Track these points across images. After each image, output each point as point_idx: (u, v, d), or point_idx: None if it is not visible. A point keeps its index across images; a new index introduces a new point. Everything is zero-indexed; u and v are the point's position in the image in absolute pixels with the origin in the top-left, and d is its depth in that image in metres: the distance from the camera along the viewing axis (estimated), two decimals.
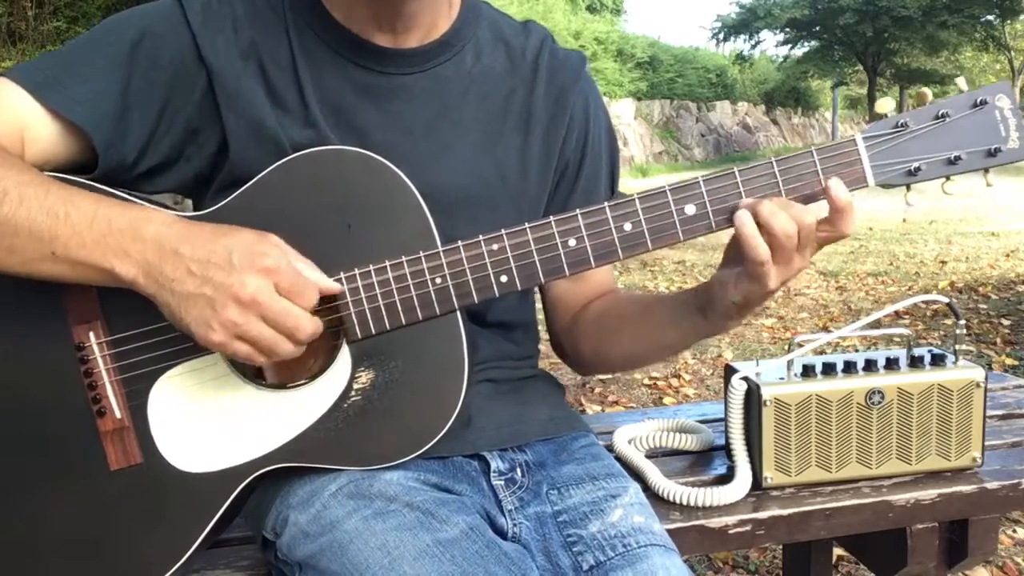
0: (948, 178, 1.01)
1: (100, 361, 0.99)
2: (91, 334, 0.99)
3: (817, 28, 31.80)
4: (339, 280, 0.98)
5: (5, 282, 0.97)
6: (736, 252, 1.00)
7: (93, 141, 0.99)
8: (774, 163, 0.99)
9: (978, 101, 0.99)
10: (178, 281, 0.90)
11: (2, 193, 0.90)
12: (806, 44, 33.85)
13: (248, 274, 0.90)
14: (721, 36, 33.34)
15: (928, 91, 1.01)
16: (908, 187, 1.02)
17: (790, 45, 34.13)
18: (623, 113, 18.95)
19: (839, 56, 33.74)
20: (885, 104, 1.00)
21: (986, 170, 1.01)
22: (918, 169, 1.00)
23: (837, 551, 2.02)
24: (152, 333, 0.98)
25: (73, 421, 0.99)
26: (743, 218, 0.96)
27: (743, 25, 32.44)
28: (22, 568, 1.00)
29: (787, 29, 32.11)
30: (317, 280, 0.95)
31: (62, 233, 0.91)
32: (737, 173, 0.99)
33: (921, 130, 0.99)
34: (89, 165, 1.01)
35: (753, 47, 34.49)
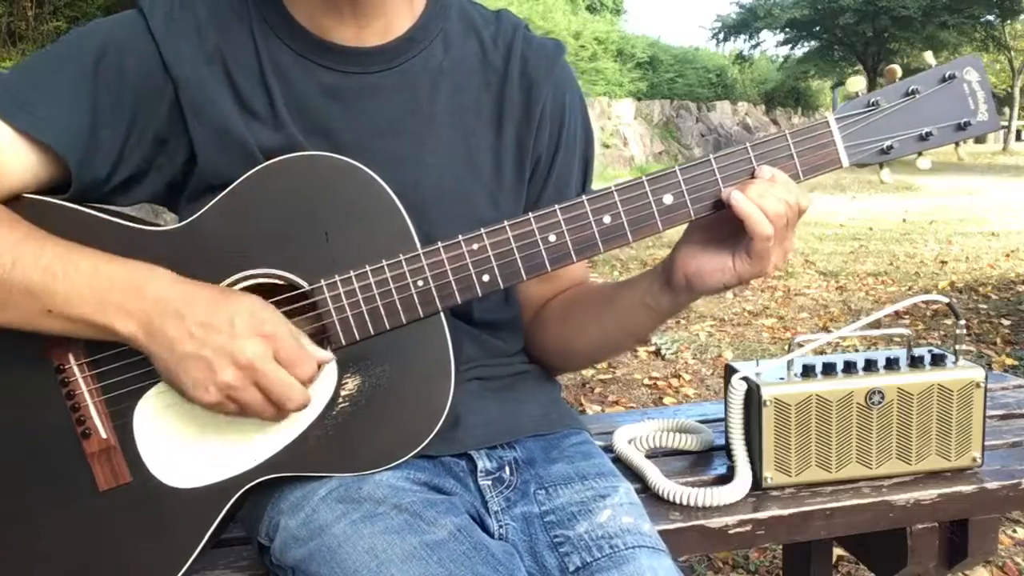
0: (920, 154, 1.02)
1: (81, 382, 0.99)
2: (70, 355, 0.98)
3: (817, 28, 31.79)
4: (319, 288, 0.98)
5: None
6: (712, 228, 1.01)
7: (67, 162, 0.97)
8: (749, 148, 1.00)
9: (946, 76, 1.00)
10: (178, 341, 0.91)
11: None
12: (806, 44, 33.85)
13: (248, 339, 0.91)
14: (721, 36, 33.33)
15: (897, 68, 1.01)
16: (881, 165, 1.03)
17: (790, 45, 34.13)
18: (623, 113, 18.94)
19: (839, 56, 33.73)
20: (856, 83, 1.01)
21: (956, 144, 1.02)
22: (891, 147, 1.01)
23: (837, 551, 2.02)
24: (132, 352, 0.97)
25: (59, 444, 0.99)
26: (737, 196, 0.96)
27: (743, 25, 32.44)
28: None
29: (787, 29, 32.09)
30: (307, 346, 0.96)
31: (60, 290, 0.91)
32: (713, 160, 1.00)
33: (892, 108, 1.00)
34: (63, 184, 1.00)
35: (753, 47, 34.48)
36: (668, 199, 0.99)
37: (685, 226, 1.05)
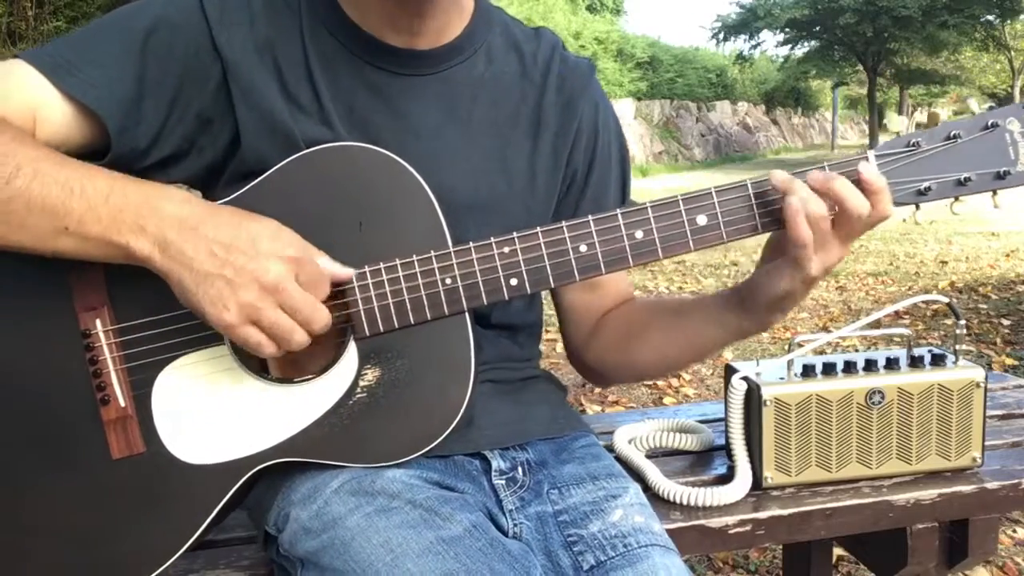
0: (957, 198, 1.02)
1: (106, 349, 1.00)
2: (97, 321, 0.99)
3: (817, 28, 31.77)
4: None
5: (11, 267, 0.97)
6: (778, 243, 1.02)
7: (107, 125, 0.98)
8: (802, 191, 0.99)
9: (989, 124, 1.00)
10: (197, 260, 0.90)
11: (16, 167, 0.90)
12: (806, 44, 33.84)
13: (272, 260, 0.91)
14: (721, 36, 33.33)
15: (941, 112, 1.03)
16: (917, 206, 1.03)
17: (790, 45, 34.11)
18: (623, 113, 18.95)
19: (839, 56, 33.72)
20: (897, 122, 1.01)
21: (994, 192, 1.02)
22: (928, 189, 1.01)
23: (837, 551, 2.02)
24: (159, 323, 0.98)
25: (77, 408, 0.99)
26: (792, 200, 0.96)
27: (743, 25, 32.43)
28: (23, 554, 1.00)
29: (787, 29, 32.08)
30: (329, 267, 0.96)
31: (76, 207, 0.90)
32: (750, 185, 1.00)
33: (933, 150, 1.01)
34: (101, 151, 1.00)
35: (753, 47, 34.46)
36: (702, 220, 1.00)
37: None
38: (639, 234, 1.00)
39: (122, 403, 1.00)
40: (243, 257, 0.90)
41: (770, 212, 1.00)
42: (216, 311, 0.90)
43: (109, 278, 0.99)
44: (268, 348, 0.93)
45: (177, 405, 1.01)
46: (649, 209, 1.00)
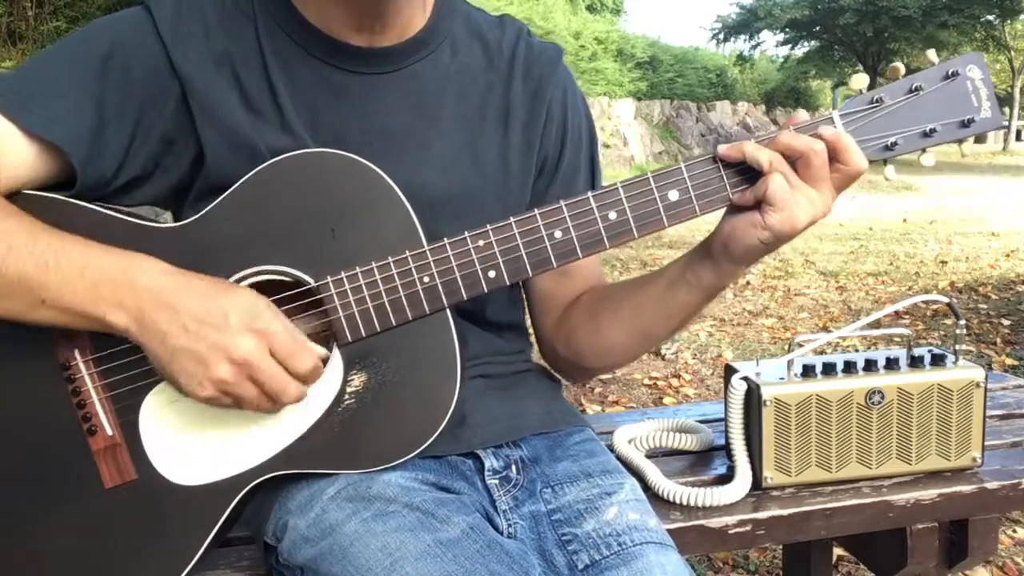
0: (924, 150, 1.02)
1: (87, 379, 0.99)
2: (76, 352, 0.98)
3: (817, 28, 31.78)
4: (325, 284, 0.98)
5: None
6: (751, 196, 1.00)
7: (72, 159, 0.97)
8: (754, 142, 1.00)
9: (950, 73, 1.00)
10: (171, 335, 0.90)
11: None
12: (806, 44, 33.85)
13: (243, 335, 0.91)
14: (721, 36, 33.33)
15: (900, 65, 1.01)
16: (885, 162, 1.03)
17: (790, 45, 34.13)
18: (623, 113, 18.93)
19: (839, 56, 33.74)
20: (859, 80, 1.01)
21: (960, 141, 1.03)
22: (895, 144, 1.01)
23: (837, 551, 2.02)
24: (138, 348, 0.97)
25: (64, 441, 0.99)
26: (776, 179, 0.96)
27: (743, 25, 32.44)
28: None
29: (787, 29, 32.09)
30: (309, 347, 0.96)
31: (52, 281, 0.90)
32: (719, 157, 1.00)
33: (896, 104, 1.01)
34: (68, 183, 0.99)
35: (753, 47, 34.48)
36: (674, 195, 1.00)
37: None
38: (612, 215, 1.00)
39: (109, 432, 0.99)
40: (215, 332, 0.90)
41: (741, 181, 1.00)
42: (192, 386, 0.92)
43: None
44: (238, 409, 0.95)
45: (166, 428, 1.00)
46: (620, 189, 0.99)
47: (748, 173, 0.99)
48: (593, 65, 17.56)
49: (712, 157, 1.00)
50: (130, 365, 0.99)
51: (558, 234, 0.99)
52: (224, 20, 1.05)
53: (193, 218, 1.00)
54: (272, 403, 0.95)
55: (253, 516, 1.09)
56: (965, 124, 1.01)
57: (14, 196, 0.97)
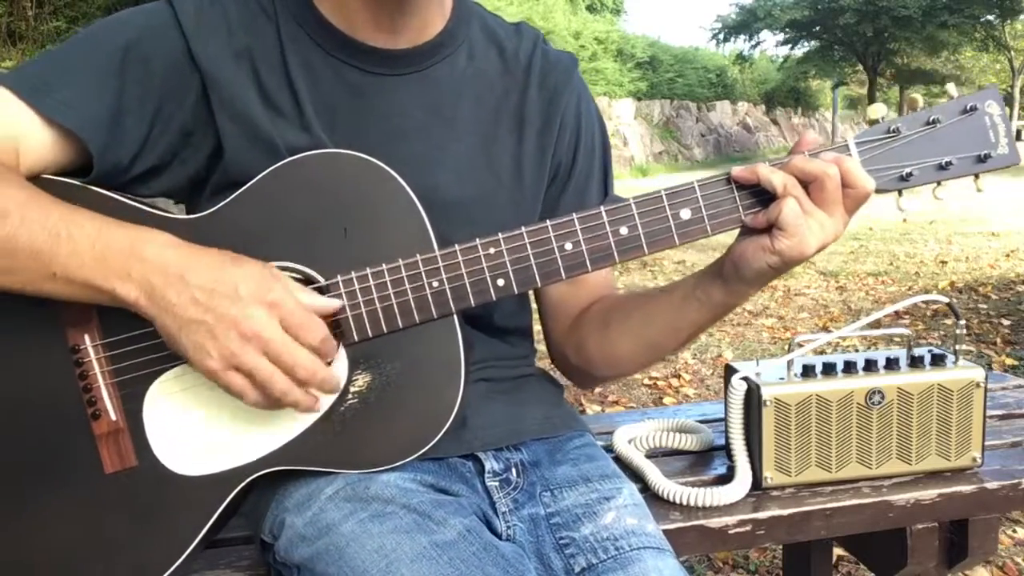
0: (939, 183, 1.02)
1: (95, 364, 0.99)
2: (86, 336, 0.99)
3: (817, 28, 31.78)
4: (335, 283, 0.98)
5: None
6: (763, 219, 1.00)
7: (88, 145, 0.98)
8: (768, 166, 1.00)
9: (968, 107, 1.00)
10: (180, 307, 0.90)
11: (2, 212, 0.90)
12: (806, 44, 33.85)
13: (253, 307, 0.90)
14: (721, 36, 33.34)
15: (919, 97, 1.02)
16: (900, 192, 1.03)
17: (790, 45, 34.13)
18: (623, 113, 18.95)
19: (839, 56, 33.73)
20: (877, 109, 1.01)
21: (976, 175, 1.02)
22: (910, 174, 1.01)
23: (837, 551, 2.02)
24: (148, 336, 0.98)
25: (68, 424, 0.99)
26: (790, 204, 0.96)
27: (743, 25, 32.44)
28: (18, 571, 1.00)
29: (787, 29, 32.09)
30: (315, 304, 0.95)
31: (63, 253, 0.90)
32: (732, 178, 1.00)
33: (913, 135, 1.01)
34: (84, 169, 1.00)
35: (753, 47, 34.50)
36: (686, 214, 1.00)
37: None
38: (624, 230, 1.00)
39: (113, 417, 0.99)
40: (225, 303, 0.90)
41: (754, 204, 1.00)
42: (199, 357, 0.91)
43: None
44: (250, 395, 0.92)
45: (169, 417, 1.00)
46: (633, 205, 1.00)
47: (761, 195, 0.99)
48: (593, 65, 17.57)
49: (726, 177, 1.00)
50: (138, 352, 0.99)
51: (569, 246, 1.00)
52: (245, 17, 1.05)
53: (208, 211, 1.00)
54: (285, 379, 0.92)
55: (250, 512, 1.09)
56: (981, 159, 1.01)
57: (32, 181, 0.98)
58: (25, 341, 0.99)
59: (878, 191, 1.01)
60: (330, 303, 0.97)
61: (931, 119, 1.00)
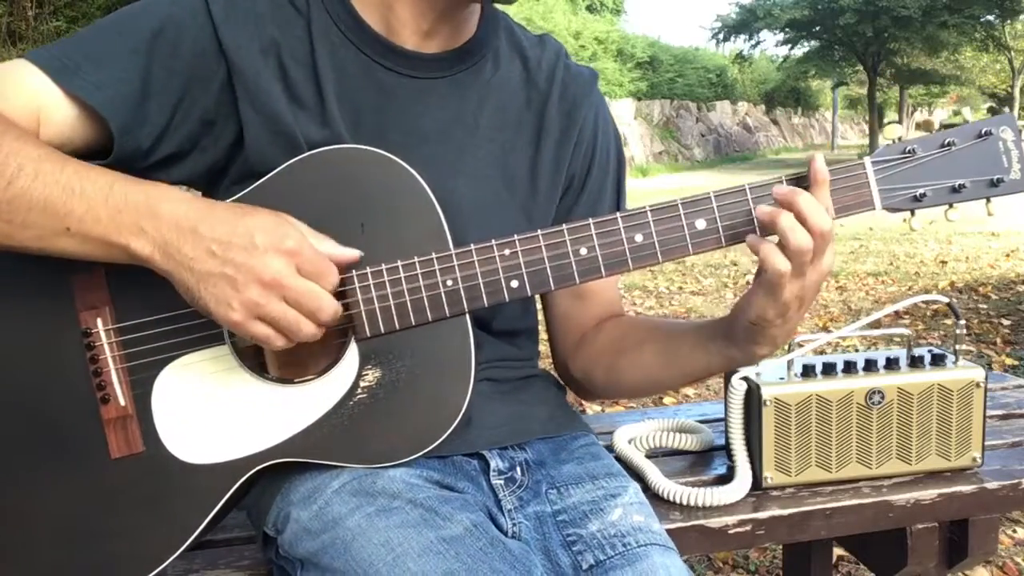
0: (951, 205, 1.04)
1: (106, 348, 1.00)
2: (98, 320, 0.99)
3: (817, 28, 31.76)
4: (350, 278, 0.99)
5: (13, 266, 0.98)
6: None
7: (110, 126, 0.98)
8: (784, 182, 1.01)
9: (983, 132, 1.02)
10: (197, 260, 0.90)
11: (17, 167, 0.90)
12: (806, 44, 33.83)
13: (271, 255, 0.90)
14: (721, 36, 33.33)
15: (935, 119, 1.04)
16: (912, 212, 1.04)
17: (790, 45, 34.10)
18: (623, 113, 18.95)
19: (839, 56, 33.72)
20: (894, 130, 1.03)
21: (988, 199, 1.04)
22: (923, 195, 1.02)
23: (837, 551, 2.02)
24: (160, 322, 0.99)
25: (76, 407, 0.99)
26: (753, 239, 0.99)
27: (743, 25, 32.42)
28: (20, 552, 1.00)
29: (787, 29, 32.08)
30: (333, 252, 0.96)
31: (77, 208, 0.90)
32: (748, 190, 1.01)
33: (928, 157, 1.02)
34: (104, 151, 1.01)
35: (753, 47, 34.47)
36: (701, 224, 1.01)
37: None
38: (639, 237, 1.01)
39: (122, 402, 1.00)
40: (242, 254, 0.90)
41: None
42: (222, 310, 0.91)
43: (110, 277, 0.99)
44: (277, 341, 0.93)
45: (177, 405, 1.01)
46: (649, 213, 1.01)
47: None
48: (593, 65, 17.57)
49: (742, 189, 1.01)
50: (150, 339, 1.00)
51: (583, 251, 1.00)
52: (276, 11, 1.06)
53: (227, 201, 1.01)
54: (310, 323, 0.93)
55: (254, 506, 1.09)
56: (994, 183, 1.02)
57: None
58: (38, 323, 1.00)
59: (892, 210, 1.03)
60: (346, 251, 0.97)
61: (946, 142, 1.02)
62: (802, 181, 1.01)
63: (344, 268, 0.98)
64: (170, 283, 0.93)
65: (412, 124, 1.08)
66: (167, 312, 0.99)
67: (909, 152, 1.02)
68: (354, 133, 1.05)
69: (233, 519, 1.14)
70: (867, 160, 1.02)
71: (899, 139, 1.02)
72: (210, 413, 1.01)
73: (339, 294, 0.99)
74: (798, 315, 1.02)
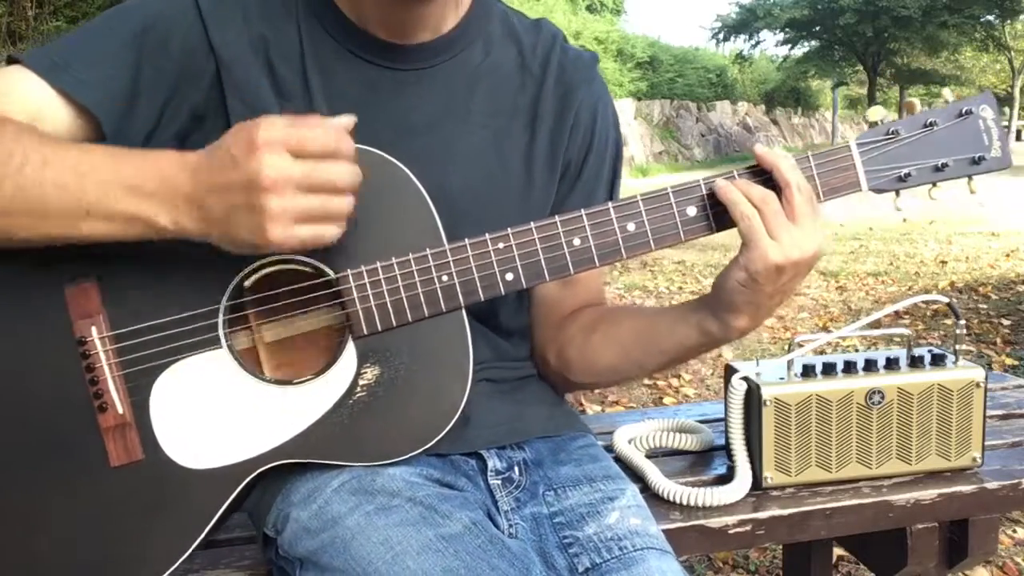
0: (935, 184, 1.06)
1: (102, 356, 0.99)
2: (93, 328, 0.99)
3: (817, 28, 31.79)
4: (345, 276, 0.98)
5: (4, 277, 0.97)
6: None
7: (102, 124, 0.99)
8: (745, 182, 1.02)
9: (963, 111, 1.05)
10: (207, 208, 0.89)
11: (23, 157, 0.90)
12: (806, 44, 33.87)
13: (253, 159, 0.86)
14: (721, 36, 33.34)
15: (916, 101, 1.06)
16: (897, 192, 1.06)
17: (790, 45, 34.15)
18: (623, 113, 18.96)
19: (839, 56, 33.75)
20: (876, 112, 1.06)
21: (970, 177, 1.06)
22: (908, 175, 1.05)
23: (837, 551, 2.02)
24: (155, 328, 0.98)
25: (74, 416, 0.99)
26: (721, 183, 1.00)
27: (743, 25, 32.44)
28: (23, 563, 1.00)
29: (787, 29, 32.09)
30: (330, 122, 0.91)
31: (90, 189, 0.90)
32: (736, 175, 1.02)
33: (911, 138, 1.04)
34: None
35: (753, 47, 34.53)
36: (692, 211, 1.02)
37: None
38: (631, 226, 1.01)
39: (120, 410, 0.99)
40: (233, 174, 0.86)
41: None
42: (262, 239, 0.87)
43: (103, 285, 0.99)
44: (329, 232, 0.90)
45: (176, 410, 1.00)
46: (640, 202, 1.02)
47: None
48: None
49: (731, 175, 1.02)
50: (145, 345, 0.99)
51: (577, 241, 1.01)
52: (265, 8, 1.06)
53: None
54: (338, 197, 0.89)
55: (254, 507, 1.09)
56: (975, 161, 1.04)
57: None
58: (32, 333, 0.99)
59: (877, 191, 1.05)
60: (340, 119, 0.92)
61: (928, 122, 1.04)
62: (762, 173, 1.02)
63: (334, 293, 0.96)
64: (164, 286, 0.93)
65: (400, 118, 1.08)
66: (162, 318, 0.98)
67: (893, 133, 1.04)
68: None
69: (234, 519, 1.14)
70: (852, 142, 1.04)
71: (882, 121, 1.04)
72: (209, 417, 1.00)
73: (335, 293, 0.99)
74: (776, 283, 1.00)
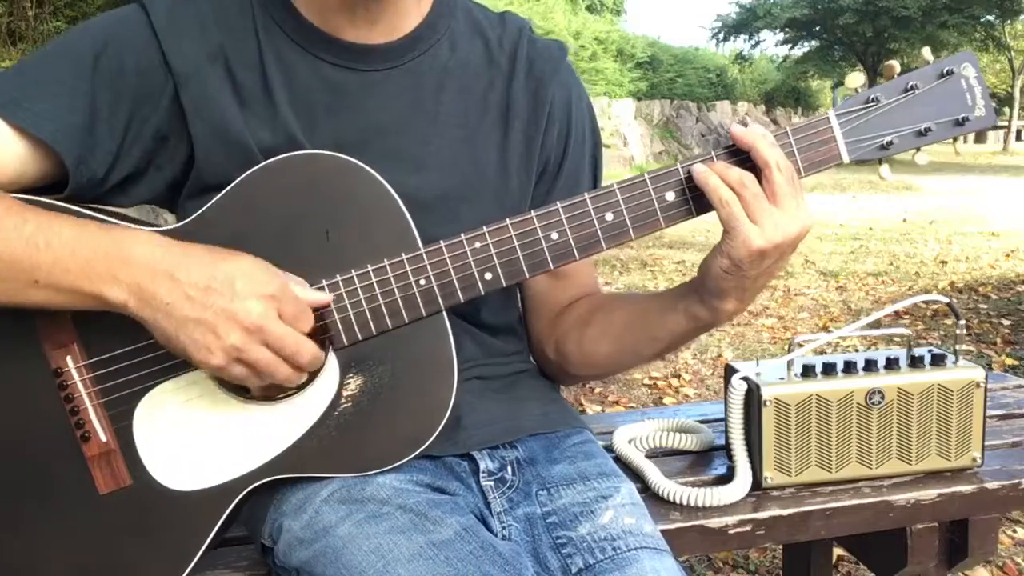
0: (918, 149, 1.03)
1: (80, 385, 0.98)
2: (68, 358, 0.98)
3: (817, 28, 31.78)
4: (322, 288, 0.98)
5: None
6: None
7: (64, 159, 0.96)
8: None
9: (944, 71, 1.00)
10: (174, 306, 0.89)
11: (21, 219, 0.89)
12: (806, 44, 33.85)
13: (251, 300, 0.90)
14: (721, 36, 33.32)
15: (895, 64, 1.02)
16: (880, 161, 1.03)
17: (790, 45, 34.13)
18: (623, 113, 18.93)
19: (839, 56, 33.73)
20: (855, 79, 1.02)
21: (955, 139, 1.03)
22: (891, 143, 1.01)
23: (837, 551, 2.02)
24: (132, 353, 0.97)
25: (58, 448, 0.98)
26: (698, 168, 0.98)
27: (743, 25, 32.43)
28: None
29: (787, 29, 32.08)
30: (306, 296, 0.95)
31: (44, 261, 0.89)
32: (715, 156, 1.00)
33: (891, 104, 1.01)
34: (60, 183, 0.99)
35: (753, 47, 34.53)
36: (670, 196, 1.00)
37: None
38: (609, 216, 0.99)
39: (103, 438, 0.98)
40: (222, 299, 0.89)
41: None
42: (201, 355, 0.90)
43: (75, 314, 0.96)
44: (255, 383, 0.94)
45: (160, 434, 0.99)
46: (617, 191, 0.99)
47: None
48: (593, 65, 17.55)
49: (709, 156, 0.99)
50: (123, 371, 0.98)
51: (555, 236, 0.99)
52: (220, 14, 1.04)
53: (187, 220, 0.99)
54: (287, 366, 0.93)
55: (249, 518, 1.09)
56: (959, 123, 1.01)
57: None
58: (6, 368, 0.98)
59: (860, 161, 1.02)
60: (319, 296, 0.97)
61: (909, 85, 1.01)
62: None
63: (316, 312, 0.97)
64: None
65: (368, 120, 1.06)
66: (138, 343, 0.96)
67: (872, 101, 1.01)
68: (308, 135, 1.03)
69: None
70: (831, 113, 1.01)
71: (860, 88, 1.01)
72: (195, 438, 0.99)
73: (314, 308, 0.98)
74: (761, 267, 0.98)
